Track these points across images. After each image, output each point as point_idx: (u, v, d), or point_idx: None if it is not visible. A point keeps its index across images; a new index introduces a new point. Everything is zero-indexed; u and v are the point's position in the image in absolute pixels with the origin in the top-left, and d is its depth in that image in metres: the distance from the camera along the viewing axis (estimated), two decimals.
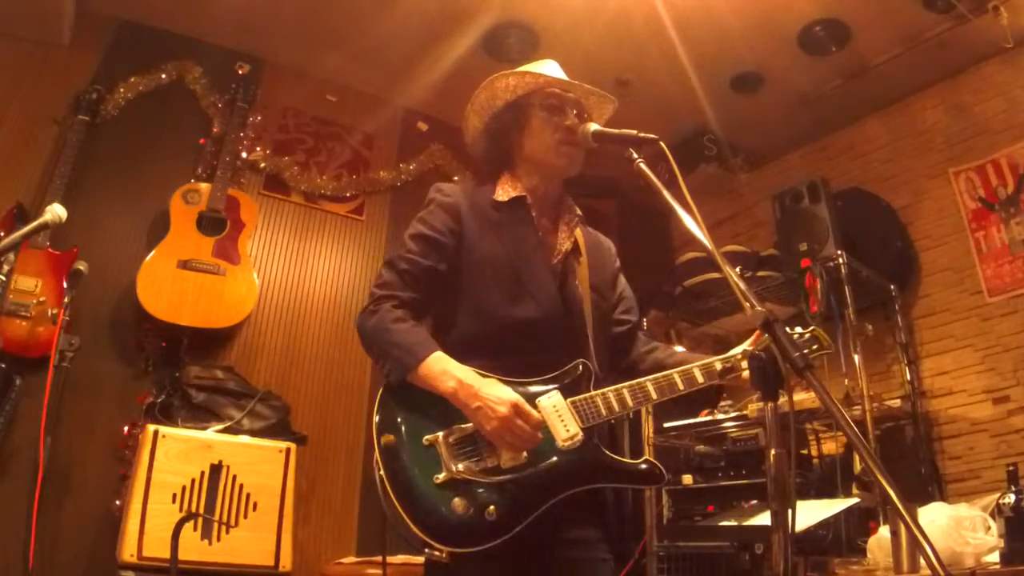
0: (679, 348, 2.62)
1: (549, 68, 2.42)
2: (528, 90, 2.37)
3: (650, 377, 2.13)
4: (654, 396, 2.10)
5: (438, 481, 1.87)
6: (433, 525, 1.82)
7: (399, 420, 1.98)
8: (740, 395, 4.62)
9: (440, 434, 1.93)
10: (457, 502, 1.84)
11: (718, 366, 2.17)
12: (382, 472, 1.89)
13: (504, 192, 2.34)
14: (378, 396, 2.03)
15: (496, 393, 1.90)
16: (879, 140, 5.76)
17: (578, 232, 2.40)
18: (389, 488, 1.86)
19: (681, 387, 2.13)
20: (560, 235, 2.37)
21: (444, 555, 1.79)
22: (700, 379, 2.15)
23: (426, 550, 1.82)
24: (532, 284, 2.20)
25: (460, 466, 1.89)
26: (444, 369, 1.96)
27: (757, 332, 2.20)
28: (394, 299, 2.11)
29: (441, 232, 2.21)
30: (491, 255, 2.22)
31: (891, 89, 5.53)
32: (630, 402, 2.08)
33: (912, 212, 5.36)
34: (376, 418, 1.98)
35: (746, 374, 2.18)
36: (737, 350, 2.24)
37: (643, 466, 2.09)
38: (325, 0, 4.85)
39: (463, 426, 1.95)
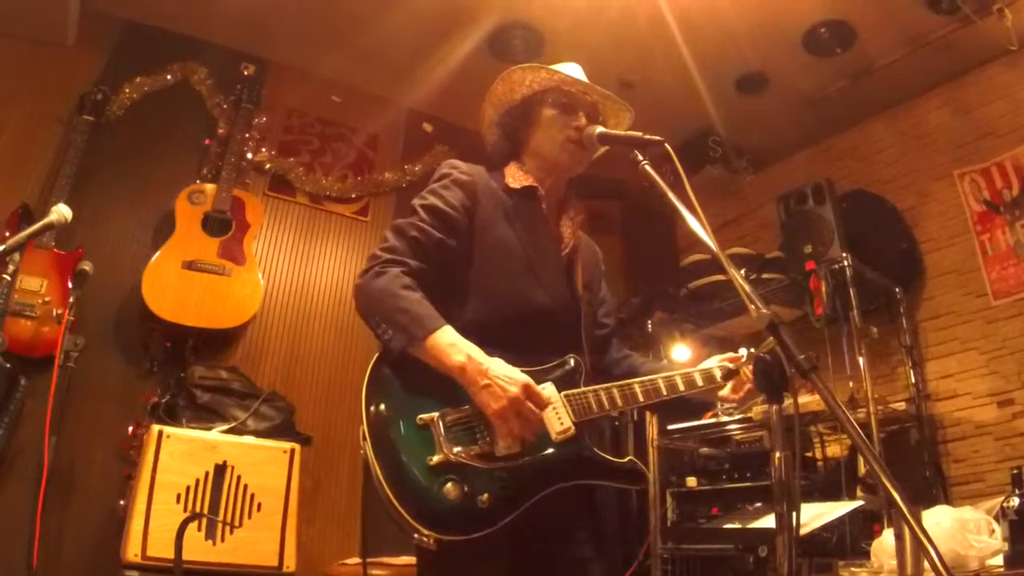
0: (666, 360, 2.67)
1: (571, 70, 2.41)
2: (545, 86, 2.37)
3: (636, 380, 2.17)
4: (640, 399, 2.13)
5: (431, 463, 1.81)
6: (423, 509, 1.76)
7: (393, 395, 1.92)
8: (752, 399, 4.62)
9: (436, 414, 1.88)
10: (450, 487, 1.79)
11: (697, 377, 2.26)
12: (370, 449, 1.83)
13: (515, 179, 2.33)
14: (370, 366, 1.95)
15: (507, 372, 1.87)
16: (884, 141, 5.75)
17: None
18: (377, 467, 1.80)
19: (665, 392, 2.18)
20: (565, 229, 2.38)
21: (431, 542, 1.73)
22: (681, 387, 2.22)
23: (415, 536, 1.75)
24: (543, 272, 2.21)
25: (456, 449, 1.84)
26: (453, 343, 1.89)
27: (731, 356, 2.33)
28: (403, 265, 2.03)
29: (455, 208, 2.17)
30: (504, 238, 2.20)
31: (896, 91, 5.53)
32: (619, 401, 2.10)
33: (917, 214, 5.35)
34: (367, 390, 1.91)
35: (724, 392, 2.31)
36: (710, 362, 2.34)
37: (627, 465, 2.11)
38: (329, 0, 4.86)
39: (461, 408, 1.91)
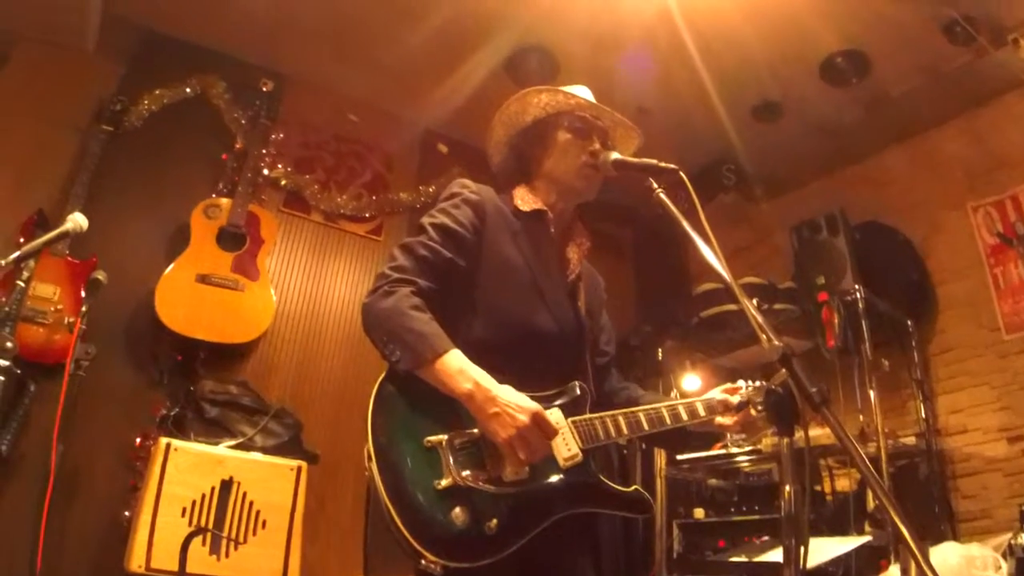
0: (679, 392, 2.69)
1: (581, 93, 2.42)
2: (559, 110, 2.37)
3: (641, 408, 2.18)
4: (645, 427, 2.15)
5: (440, 487, 1.78)
6: (430, 535, 1.72)
7: (400, 413, 1.90)
8: (754, 429, 4.59)
9: (444, 437, 1.85)
10: (458, 512, 1.76)
11: (699, 407, 2.29)
12: (375, 470, 1.77)
13: (524, 202, 2.33)
14: (377, 384, 1.91)
15: (516, 400, 1.83)
16: (898, 171, 5.73)
17: None
18: (383, 489, 1.75)
19: (668, 421, 2.21)
20: (571, 255, 2.38)
21: (438, 569, 1.69)
22: (684, 416, 2.25)
23: (421, 562, 1.70)
24: (549, 296, 2.20)
25: (464, 473, 1.81)
26: (461, 368, 1.86)
27: (730, 387, 2.38)
28: (412, 285, 2.00)
29: (465, 227, 2.16)
30: (512, 260, 2.20)
31: (911, 121, 5.52)
32: (625, 430, 2.11)
33: (930, 245, 5.33)
34: (372, 410, 1.87)
35: (720, 419, 2.34)
36: (714, 392, 2.37)
37: (633, 494, 2.10)
38: (348, 19, 4.89)
39: (469, 431, 1.88)
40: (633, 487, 2.11)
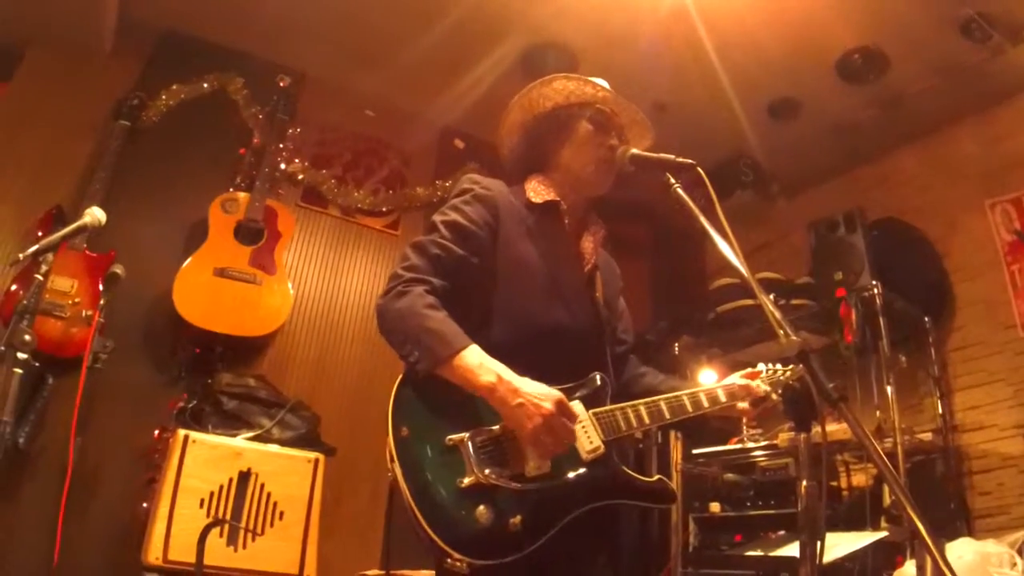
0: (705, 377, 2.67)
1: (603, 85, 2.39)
2: (581, 100, 2.35)
3: (662, 396, 2.16)
4: (667, 416, 2.13)
5: (463, 485, 1.76)
6: (455, 533, 1.71)
7: (420, 414, 1.87)
8: (770, 424, 4.59)
9: (467, 435, 1.83)
10: (482, 510, 1.74)
11: (720, 393, 2.27)
12: (399, 471, 1.77)
13: (537, 194, 2.30)
14: (396, 386, 1.90)
15: (539, 390, 1.81)
16: (914, 170, 5.69)
17: None
18: (407, 490, 1.74)
19: (690, 409, 2.19)
20: (586, 245, 2.36)
21: (464, 567, 1.68)
22: (706, 404, 2.23)
23: (447, 560, 1.69)
24: (566, 290, 2.19)
25: (487, 471, 1.79)
26: (481, 363, 1.83)
27: (750, 372, 2.38)
28: (426, 284, 1.97)
29: (478, 224, 2.13)
30: (527, 256, 2.17)
31: (928, 118, 5.49)
32: (647, 419, 2.09)
33: (947, 243, 5.30)
34: (392, 412, 1.85)
35: (742, 405, 2.32)
36: (733, 378, 2.35)
37: (656, 485, 2.10)
38: (365, 16, 4.91)
39: (490, 428, 1.87)
40: (656, 477, 2.11)
